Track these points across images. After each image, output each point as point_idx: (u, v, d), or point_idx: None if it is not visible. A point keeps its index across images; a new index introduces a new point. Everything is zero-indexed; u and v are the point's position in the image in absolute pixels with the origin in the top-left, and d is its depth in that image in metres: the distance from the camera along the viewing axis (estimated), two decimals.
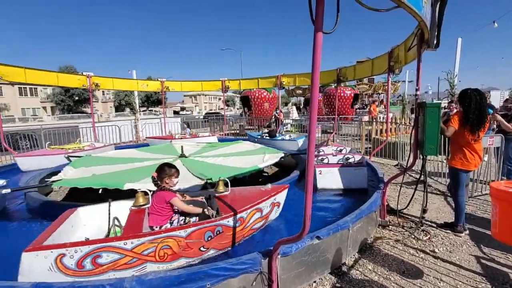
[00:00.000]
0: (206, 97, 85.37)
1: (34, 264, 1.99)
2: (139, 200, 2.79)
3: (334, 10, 1.53)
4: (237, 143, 7.23)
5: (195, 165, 4.84)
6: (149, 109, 53.12)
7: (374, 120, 9.73)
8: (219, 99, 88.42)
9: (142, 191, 2.83)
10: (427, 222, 3.65)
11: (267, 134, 9.51)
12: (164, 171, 2.60)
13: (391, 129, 8.11)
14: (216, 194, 3.07)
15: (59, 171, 4.33)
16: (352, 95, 17.97)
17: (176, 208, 2.57)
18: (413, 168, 4.32)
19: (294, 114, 20.25)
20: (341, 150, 5.72)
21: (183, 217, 2.64)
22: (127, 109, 49.32)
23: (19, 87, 43.85)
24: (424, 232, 3.37)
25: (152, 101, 52.65)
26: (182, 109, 75.02)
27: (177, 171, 2.67)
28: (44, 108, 47.91)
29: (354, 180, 4.49)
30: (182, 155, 5.78)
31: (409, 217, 3.80)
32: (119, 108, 53.03)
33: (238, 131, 16.55)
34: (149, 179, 3.03)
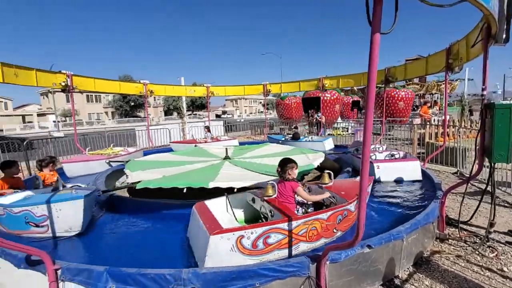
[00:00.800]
0: (246, 100, 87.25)
1: (219, 245, 2.23)
2: (269, 192, 2.98)
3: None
4: (265, 145, 7.31)
5: (249, 165, 4.92)
6: (194, 113, 56.13)
7: (428, 123, 8.92)
8: (259, 102, 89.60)
9: (270, 183, 3.04)
10: (494, 238, 3.23)
11: (290, 136, 9.45)
12: (287, 164, 2.90)
13: (448, 133, 7.36)
14: (323, 186, 3.40)
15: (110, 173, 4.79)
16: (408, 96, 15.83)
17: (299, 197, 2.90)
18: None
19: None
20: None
21: (304, 207, 2.97)
22: (175, 113, 52.96)
23: (86, 95, 50.11)
24: (491, 248, 3.00)
25: (196, 105, 55.67)
26: (224, 112, 77.83)
27: (296, 163, 2.97)
28: (106, 113, 53.95)
29: (410, 172, 4.86)
30: (227, 157, 6.00)
31: (472, 231, 3.41)
32: (168, 112, 57.15)
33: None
34: (223, 178, 3.70)
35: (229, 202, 3.11)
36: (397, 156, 5.58)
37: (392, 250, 2.56)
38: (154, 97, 58.19)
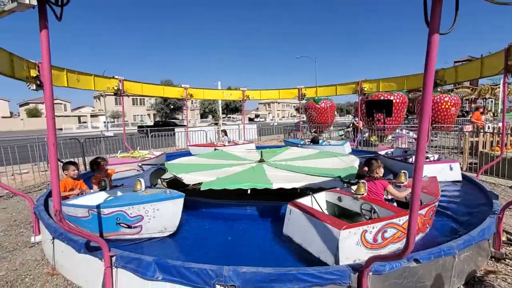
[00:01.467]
0: (279, 104, 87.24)
1: (348, 240, 2.34)
2: (361, 190, 3.07)
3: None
4: (287, 148, 7.32)
5: (292, 168, 4.93)
6: (228, 116, 57.59)
7: (481, 131, 8.08)
8: (293, 106, 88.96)
9: (362, 182, 3.11)
10: None
11: (309, 140, 9.52)
12: (373, 164, 3.14)
13: (506, 141, 6.59)
14: (401, 184, 3.53)
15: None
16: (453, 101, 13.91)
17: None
18: None
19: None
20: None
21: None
22: (210, 116, 54.88)
23: (132, 98, 54.33)
24: None
25: (230, 108, 57.04)
26: (256, 116, 78.69)
27: (381, 163, 3.19)
28: (148, 115, 57.92)
29: (451, 173, 5.10)
30: (262, 160, 6.06)
31: None
32: (203, 115, 59.42)
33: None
34: (278, 179, 3.86)
35: (316, 201, 3.27)
36: (431, 158, 5.60)
37: (442, 266, 2.37)
38: (192, 101, 61.11)
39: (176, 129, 12.38)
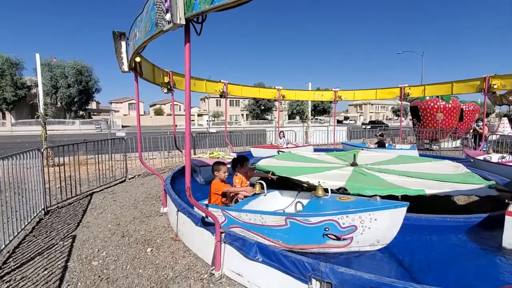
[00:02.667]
0: (372, 106, 79.58)
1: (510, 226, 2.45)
2: None
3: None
4: (357, 151, 6.65)
5: (402, 173, 4.66)
6: (315, 117, 56.61)
7: None
8: (390, 108, 79.49)
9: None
10: None
11: (376, 144, 9.01)
12: None
13: None
14: None
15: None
16: None
17: None
18: None
19: (507, 129, 14.54)
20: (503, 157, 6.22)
21: None
22: (297, 117, 55.33)
23: (230, 100, 60.52)
24: None
25: (318, 110, 55.85)
26: (346, 118, 74.08)
27: None
28: (242, 115, 63.26)
29: None
30: (355, 164, 5.74)
31: None
32: (291, 116, 60.42)
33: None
34: (410, 185, 3.70)
35: None
36: (507, 158, 5.73)
37: None
38: (281, 102, 63.04)
39: (267, 129, 13.08)
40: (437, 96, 13.04)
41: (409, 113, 16.48)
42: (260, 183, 3.38)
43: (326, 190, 3.13)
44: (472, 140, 11.49)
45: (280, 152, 7.55)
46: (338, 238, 2.61)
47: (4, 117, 36.63)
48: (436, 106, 13.54)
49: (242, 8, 2.07)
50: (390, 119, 76.76)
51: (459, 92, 10.12)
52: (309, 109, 16.14)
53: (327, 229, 2.59)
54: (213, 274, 2.68)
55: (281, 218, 2.68)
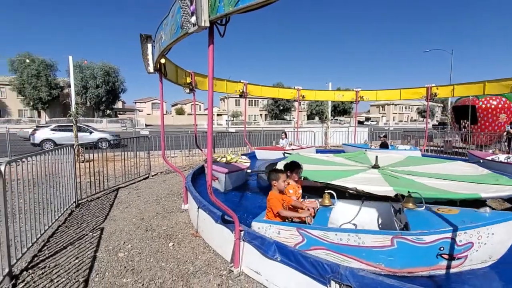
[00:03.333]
0: (396, 106, 76.60)
1: None
2: None
3: None
4: (362, 153, 6.64)
5: (431, 175, 4.51)
6: (335, 118, 55.55)
7: None
8: (416, 108, 76.15)
9: None
10: None
11: (379, 146, 9.14)
12: None
13: None
14: None
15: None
16: None
17: None
18: None
19: None
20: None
21: None
22: (316, 118, 54.51)
23: (248, 100, 61.00)
24: None
25: (338, 110, 54.74)
26: (367, 119, 71.86)
27: None
28: (261, 115, 63.44)
29: None
30: (377, 166, 5.57)
31: None
32: (310, 116, 59.70)
33: (441, 148, 13.46)
34: (454, 189, 3.49)
35: None
36: None
37: None
38: (300, 102, 62.47)
39: (286, 129, 13.01)
40: (501, 94, 11.35)
41: (450, 114, 15.08)
42: (329, 193, 3.07)
43: (418, 200, 2.81)
44: (506, 143, 10.72)
45: (286, 154, 7.06)
46: (452, 258, 2.33)
47: (39, 115, 39.34)
48: (500, 105, 11.80)
49: (264, 9, 2.09)
50: (415, 120, 73.56)
51: (491, 92, 9.46)
52: (329, 110, 15.81)
53: (441, 249, 2.30)
54: (232, 271, 2.73)
55: (386, 238, 2.33)
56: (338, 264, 2.15)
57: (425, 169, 5.12)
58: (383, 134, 10.31)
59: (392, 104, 74.47)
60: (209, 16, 2.23)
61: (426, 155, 9.32)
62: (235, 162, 5.96)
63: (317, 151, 9.35)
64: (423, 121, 55.58)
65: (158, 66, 4.12)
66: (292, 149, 8.45)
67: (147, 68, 4.00)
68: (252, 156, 8.26)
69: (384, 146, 8.98)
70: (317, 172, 4.69)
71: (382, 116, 74.97)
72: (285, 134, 9.82)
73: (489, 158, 6.91)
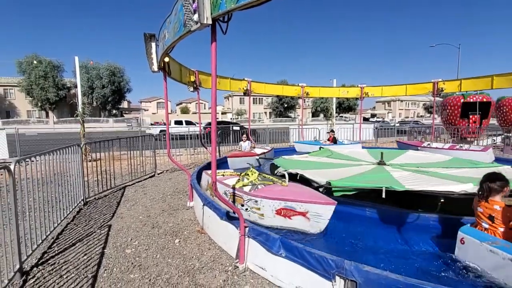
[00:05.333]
0: (402, 102, 75.61)
1: None
2: None
3: None
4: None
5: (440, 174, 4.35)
6: (340, 115, 55.13)
7: None
8: (422, 104, 75.05)
9: None
10: None
11: (327, 142, 9.40)
12: None
13: None
14: None
15: None
16: None
17: None
18: None
19: None
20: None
21: None
22: (321, 115, 54.23)
23: (253, 98, 60.95)
24: None
25: (343, 107, 54.30)
26: (372, 116, 71.07)
27: None
28: (265, 113, 63.34)
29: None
30: (382, 163, 5.53)
31: None
32: (314, 113, 59.37)
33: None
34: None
35: None
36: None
37: None
38: (304, 99, 62.24)
39: (290, 127, 13.00)
40: None
41: (448, 109, 14.97)
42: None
43: None
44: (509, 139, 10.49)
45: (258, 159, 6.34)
46: None
47: (47, 115, 40.01)
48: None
49: (267, 7, 2.09)
50: (421, 116, 72.52)
51: (500, 86, 9.28)
52: (334, 106, 15.70)
53: None
54: (237, 267, 2.75)
55: None
56: (343, 259, 2.14)
57: (420, 162, 5.51)
58: (331, 129, 10.67)
59: (398, 100, 73.53)
60: (211, 13, 2.24)
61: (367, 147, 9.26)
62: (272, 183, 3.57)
63: (276, 151, 8.42)
64: (429, 116, 54.78)
65: (162, 65, 4.15)
66: (264, 153, 7.09)
67: (151, 67, 4.04)
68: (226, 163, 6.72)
69: (333, 141, 9.52)
70: (348, 178, 3.92)
71: (388, 112, 74.07)
72: (247, 135, 7.94)
73: (425, 144, 8.23)
